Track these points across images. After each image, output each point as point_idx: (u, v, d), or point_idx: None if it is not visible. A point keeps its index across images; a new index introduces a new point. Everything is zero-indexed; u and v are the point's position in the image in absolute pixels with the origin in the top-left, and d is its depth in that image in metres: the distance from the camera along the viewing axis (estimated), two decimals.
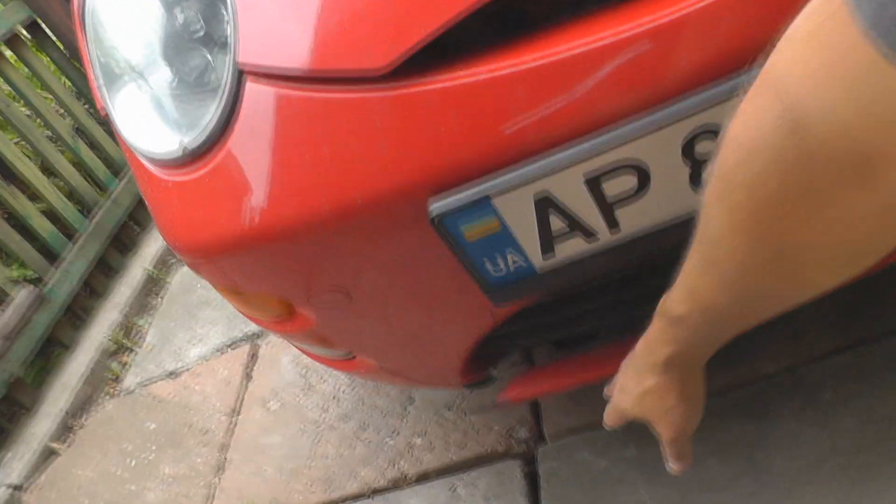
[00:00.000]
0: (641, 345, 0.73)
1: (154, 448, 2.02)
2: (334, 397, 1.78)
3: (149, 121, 0.91)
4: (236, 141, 0.82)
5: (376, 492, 1.50)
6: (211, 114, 0.82)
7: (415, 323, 0.96)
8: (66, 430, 2.28)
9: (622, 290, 0.98)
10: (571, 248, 0.80)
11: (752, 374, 1.30)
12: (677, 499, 1.17)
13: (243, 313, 1.08)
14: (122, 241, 2.99)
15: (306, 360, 1.97)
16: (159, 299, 2.68)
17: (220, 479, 1.79)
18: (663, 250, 0.74)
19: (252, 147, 0.81)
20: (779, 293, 0.54)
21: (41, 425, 2.28)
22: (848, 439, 1.13)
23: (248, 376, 2.05)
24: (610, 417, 0.86)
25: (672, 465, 0.83)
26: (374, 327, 0.98)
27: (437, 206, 0.74)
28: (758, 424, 1.21)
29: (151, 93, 0.91)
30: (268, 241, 0.81)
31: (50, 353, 2.54)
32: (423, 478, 1.47)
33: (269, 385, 1.96)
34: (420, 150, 0.74)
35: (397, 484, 1.49)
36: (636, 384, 0.75)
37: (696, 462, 1.21)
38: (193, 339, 2.33)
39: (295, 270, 0.87)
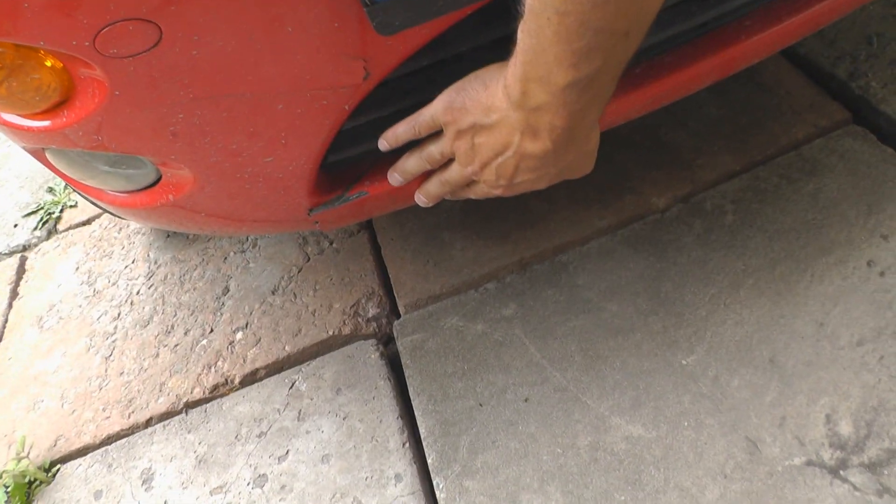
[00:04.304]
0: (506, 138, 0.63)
1: None
2: (129, 301, 1.39)
3: None
4: None
5: (191, 405, 1.16)
6: None
7: (257, 82, 0.65)
8: None
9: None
10: None
11: (643, 209, 1.10)
12: (575, 350, 0.95)
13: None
14: None
15: (90, 263, 1.55)
16: None
17: None
18: None
19: None
20: None
21: None
22: (760, 257, 0.97)
23: (14, 294, 1.59)
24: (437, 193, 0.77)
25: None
26: (194, 97, 0.65)
27: None
28: (657, 258, 1.02)
29: None
30: None
31: None
32: (250, 378, 1.15)
33: (45, 300, 1.53)
34: None
35: (218, 390, 1.16)
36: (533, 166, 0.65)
37: (590, 310, 1.00)
38: None
39: None
